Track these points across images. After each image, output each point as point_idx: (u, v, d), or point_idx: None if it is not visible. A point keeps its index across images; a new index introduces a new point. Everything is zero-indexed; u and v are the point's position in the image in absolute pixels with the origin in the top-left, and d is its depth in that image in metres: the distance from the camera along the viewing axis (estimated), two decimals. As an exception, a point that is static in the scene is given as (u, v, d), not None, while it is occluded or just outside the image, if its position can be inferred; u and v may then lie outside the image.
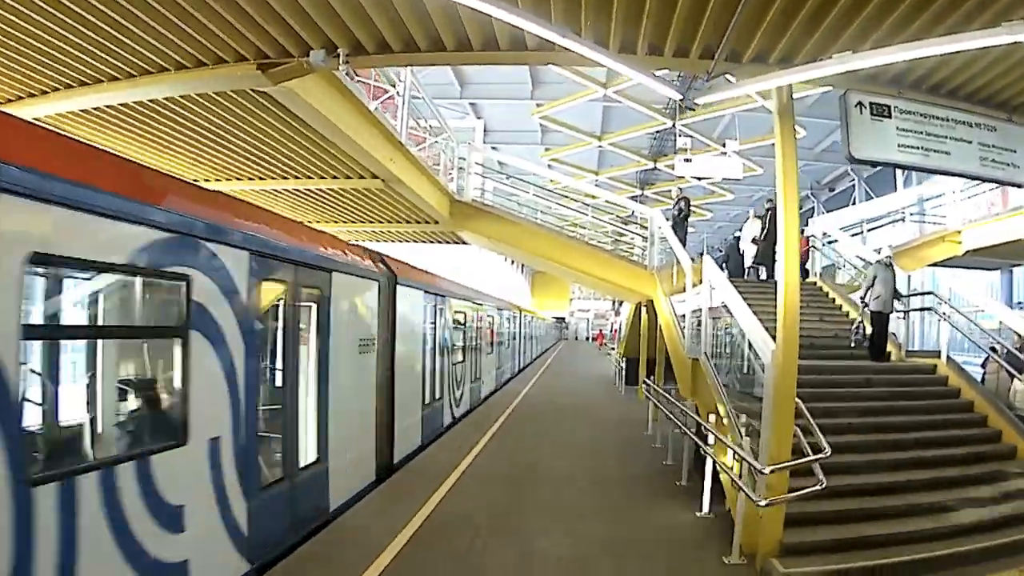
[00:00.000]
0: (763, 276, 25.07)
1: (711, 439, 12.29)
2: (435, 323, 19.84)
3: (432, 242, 29.79)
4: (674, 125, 33.00)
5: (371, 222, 25.71)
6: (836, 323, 20.01)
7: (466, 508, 12.42)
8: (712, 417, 12.84)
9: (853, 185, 42.70)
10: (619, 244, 27.84)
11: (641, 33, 9.66)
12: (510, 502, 13.04)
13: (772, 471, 9.51)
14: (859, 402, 14.63)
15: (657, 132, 36.74)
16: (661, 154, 38.79)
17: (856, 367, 16.58)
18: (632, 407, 24.87)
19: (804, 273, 22.70)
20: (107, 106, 14.32)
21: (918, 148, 9.70)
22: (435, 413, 19.91)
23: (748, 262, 26.76)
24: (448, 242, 29.27)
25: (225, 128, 15.73)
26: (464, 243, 28.21)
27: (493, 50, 10.64)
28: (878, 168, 39.91)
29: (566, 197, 33.79)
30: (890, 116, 9.59)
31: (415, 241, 29.81)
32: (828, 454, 9.99)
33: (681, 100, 11.02)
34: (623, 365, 33.63)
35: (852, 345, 17.85)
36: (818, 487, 9.52)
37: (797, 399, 10.42)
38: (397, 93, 18.87)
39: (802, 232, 22.04)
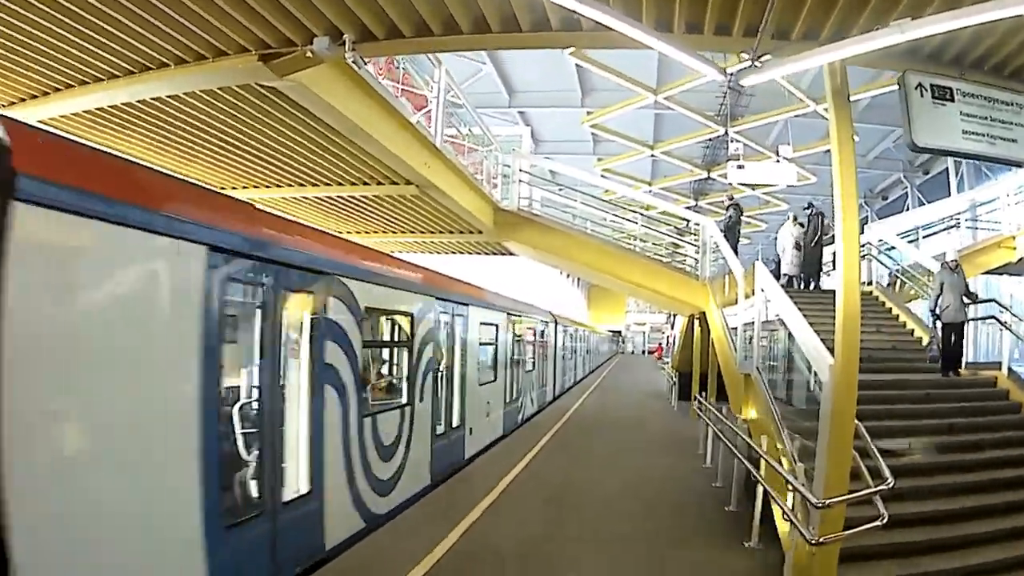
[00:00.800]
0: (801, 286, 23.65)
1: (763, 463, 11.02)
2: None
3: (477, 253, 28.86)
4: (726, 132, 31.66)
5: (411, 232, 24.83)
6: (894, 334, 18.70)
7: (498, 534, 11.39)
8: (764, 439, 11.64)
9: (906, 193, 41.10)
10: (675, 256, 26.46)
11: (676, 7, 8.66)
12: (549, 523, 12.22)
13: (827, 505, 8.24)
14: (919, 420, 13.51)
15: (710, 140, 35.38)
16: (715, 163, 37.50)
17: (914, 381, 15.30)
18: (684, 423, 23.56)
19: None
20: (112, 106, 13.70)
21: (984, 135, 8.66)
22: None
23: (786, 269, 24.27)
24: (494, 253, 28.35)
25: (240, 130, 15.00)
26: (511, 254, 27.11)
27: (513, 31, 9.66)
28: (930, 175, 39.00)
29: (618, 207, 32.65)
30: (952, 99, 8.52)
31: (459, 253, 28.83)
32: (891, 484, 8.69)
33: (727, 80, 9.80)
34: (676, 380, 32.12)
35: (928, 363, 16.32)
36: (879, 522, 8.23)
37: (856, 420, 9.16)
38: (431, 94, 17.65)
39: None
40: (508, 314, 22.57)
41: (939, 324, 16.07)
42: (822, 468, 8.90)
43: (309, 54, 10.56)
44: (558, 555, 10.60)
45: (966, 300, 16.05)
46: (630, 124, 34.80)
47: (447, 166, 18.45)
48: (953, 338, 15.89)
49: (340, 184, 18.56)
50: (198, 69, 11.60)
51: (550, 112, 35.24)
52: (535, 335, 27.64)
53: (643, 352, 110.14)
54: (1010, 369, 15.25)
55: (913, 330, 18.52)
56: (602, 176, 39.09)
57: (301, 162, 17.01)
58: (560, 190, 27.41)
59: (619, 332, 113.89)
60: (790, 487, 9.17)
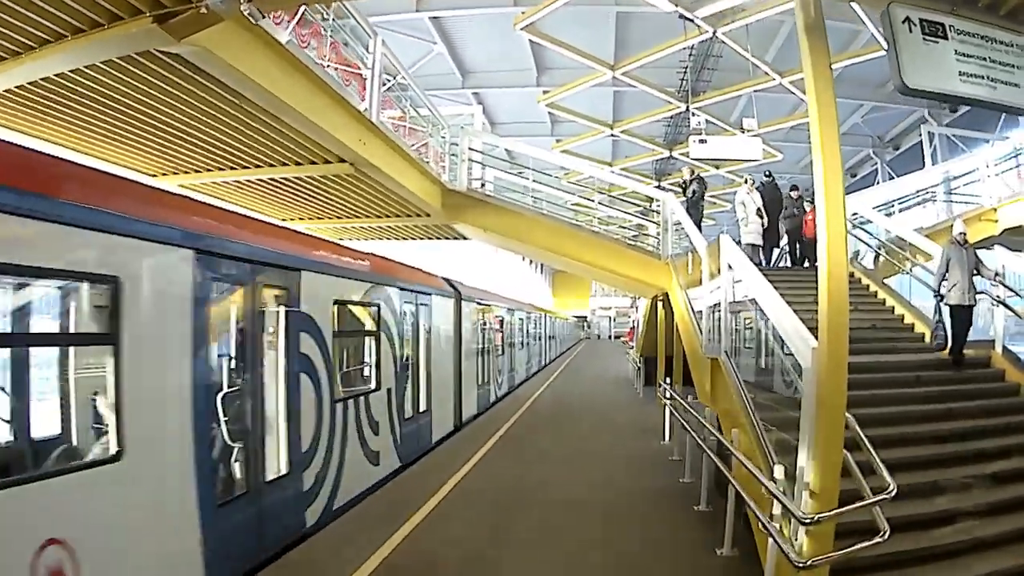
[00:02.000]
0: (765, 259, 22.44)
1: (734, 462, 9.53)
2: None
3: (429, 238, 27.47)
4: (688, 108, 30.42)
5: (354, 216, 23.33)
6: (873, 313, 17.31)
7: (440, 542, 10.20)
8: (735, 432, 10.20)
9: (876, 169, 40.08)
10: (639, 237, 25.05)
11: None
12: (496, 527, 11.04)
13: (817, 521, 6.80)
14: (910, 405, 12.09)
15: (671, 118, 34.35)
16: (677, 142, 36.44)
17: (900, 363, 13.90)
18: (649, 410, 22.27)
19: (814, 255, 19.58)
20: (20, 87, 12.34)
21: (984, 78, 7.31)
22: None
23: (749, 239, 22.07)
24: (445, 237, 26.97)
25: (157, 108, 13.67)
26: (464, 238, 25.72)
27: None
28: (901, 151, 38.07)
29: (580, 188, 31.49)
30: (946, 37, 7.21)
31: (410, 238, 27.44)
32: (894, 492, 7.21)
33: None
34: (641, 365, 30.72)
35: (936, 350, 14.42)
36: (880, 538, 6.76)
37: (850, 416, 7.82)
38: (365, 66, 16.22)
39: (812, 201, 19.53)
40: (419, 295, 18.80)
41: (944, 308, 14.25)
42: (808, 474, 7.45)
43: (204, 10, 9.37)
44: (504, 567, 9.35)
45: (980, 280, 14.37)
46: (589, 103, 33.68)
47: (386, 143, 17.29)
48: (960, 324, 14.03)
49: (271, 165, 17.26)
50: (96, 37, 10.34)
51: (505, 92, 34.30)
52: (480, 322, 26.50)
53: (609, 337, 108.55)
54: (1005, 348, 13.87)
55: (893, 307, 17.26)
56: (563, 154, 36.95)
57: (226, 143, 15.72)
58: (519, 172, 25.84)
59: (584, 318, 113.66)
60: (769, 494, 7.71)
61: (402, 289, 15.89)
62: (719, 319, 13.35)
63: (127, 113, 13.83)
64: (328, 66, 14.36)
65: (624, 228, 25.77)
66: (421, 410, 17.38)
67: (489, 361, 27.63)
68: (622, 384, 34.47)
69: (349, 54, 15.91)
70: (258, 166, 17.29)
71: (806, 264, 21.79)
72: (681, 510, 11.90)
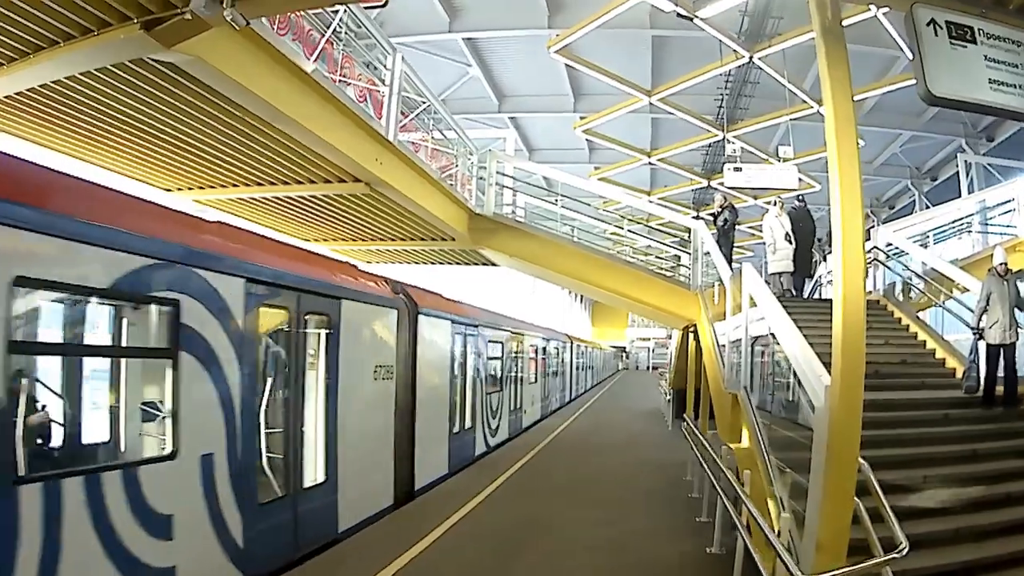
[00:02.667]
0: (795, 288, 20.85)
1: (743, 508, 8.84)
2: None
3: (456, 263, 26.81)
4: (724, 136, 29.72)
5: (376, 239, 22.80)
6: (904, 347, 16.33)
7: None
8: (747, 474, 9.49)
9: (913, 201, 39.29)
10: (678, 269, 24.38)
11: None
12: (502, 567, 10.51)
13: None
14: (936, 446, 11.26)
15: (709, 147, 33.74)
16: (715, 171, 35.70)
17: (929, 400, 13.03)
18: (676, 444, 21.27)
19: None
20: (30, 94, 12.02)
21: (1016, 87, 6.62)
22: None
23: (776, 267, 20.51)
24: (472, 263, 26.28)
25: (166, 122, 13.24)
26: (492, 264, 25.13)
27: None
28: (938, 182, 37.24)
29: (617, 217, 30.96)
30: (975, 41, 6.54)
31: (437, 263, 26.85)
32: (905, 552, 6.48)
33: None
34: (671, 398, 29.90)
35: (964, 392, 13.25)
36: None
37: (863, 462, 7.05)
38: (382, 82, 15.73)
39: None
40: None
41: (981, 344, 13.16)
42: (813, 525, 6.75)
43: (189, 16, 8.96)
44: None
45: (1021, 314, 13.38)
46: (626, 130, 33.12)
47: (405, 164, 16.77)
48: (1002, 362, 12.91)
49: (284, 183, 16.77)
50: (88, 43, 9.98)
51: (542, 118, 34.11)
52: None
53: (648, 368, 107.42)
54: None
55: (925, 341, 16.26)
56: (598, 182, 36.40)
57: (238, 159, 15.26)
58: (554, 200, 25.16)
59: (623, 348, 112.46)
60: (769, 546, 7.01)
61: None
62: (740, 353, 12.64)
63: (140, 127, 13.48)
64: (340, 81, 13.92)
65: (661, 259, 25.17)
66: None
67: (478, 401, 21.58)
68: (653, 417, 33.49)
69: (367, 70, 15.46)
70: (272, 183, 16.82)
71: None
72: (692, 551, 11.19)
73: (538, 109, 32.61)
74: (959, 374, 14.11)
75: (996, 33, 6.64)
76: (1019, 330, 12.90)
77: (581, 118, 31.16)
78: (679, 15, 19.21)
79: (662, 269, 23.97)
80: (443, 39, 25.41)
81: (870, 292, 19.48)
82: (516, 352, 26.97)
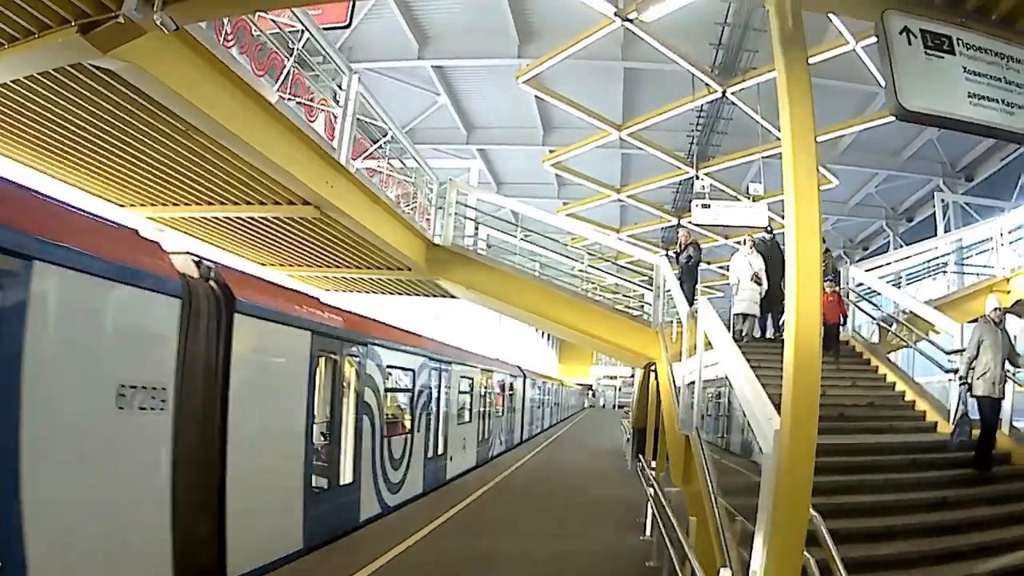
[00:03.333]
0: (760, 330, 19.86)
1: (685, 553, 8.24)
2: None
3: (415, 294, 26.21)
4: (696, 174, 29.36)
5: (331, 266, 22.28)
6: (872, 389, 15.94)
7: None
8: (692, 521, 8.93)
9: (888, 242, 38.93)
10: (644, 307, 23.84)
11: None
12: None
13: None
14: (904, 493, 10.73)
15: (679, 184, 33.43)
16: (685, 210, 35.22)
17: (896, 444, 12.51)
18: (634, 484, 20.68)
19: (836, 336, 18.01)
20: None
21: (998, 102, 6.07)
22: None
23: (739, 308, 19.23)
24: (432, 295, 25.74)
25: (114, 135, 12.87)
26: (450, 296, 24.65)
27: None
28: (914, 223, 37.07)
29: (577, 250, 30.37)
30: (953, 52, 6.07)
31: (394, 292, 26.32)
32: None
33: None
34: (630, 437, 29.31)
35: (954, 448, 12.25)
36: None
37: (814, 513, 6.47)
38: (336, 103, 15.30)
39: (831, 279, 18.36)
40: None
41: (970, 398, 12.32)
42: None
43: (121, 20, 8.72)
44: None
45: (1012, 367, 12.66)
46: (596, 166, 33.06)
47: (359, 189, 16.38)
48: (987, 420, 12.04)
49: (234, 203, 16.21)
50: (27, 47, 9.66)
51: (511, 150, 33.83)
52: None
53: (614, 406, 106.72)
54: (1012, 426, 12.53)
55: (895, 383, 15.91)
56: (565, 217, 35.91)
57: (186, 176, 14.79)
58: (516, 234, 24.65)
59: (590, 386, 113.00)
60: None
61: None
62: (693, 392, 12.06)
63: (89, 138, 13.13)
64: (292, 100, 13.46)
65: (628, 297, 24.77)
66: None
67: (366, 445, 16.04)
68: (614, 455, 32.89)
69: (322, 91, 15.03)
70: (223, 203, 16.31)
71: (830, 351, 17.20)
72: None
73: (507, 141, 32.24)
74: (929, 417, 13.67)
75: (977, 44, 6.19)
76: (1004, 385, 12.26)
77: (550, 151, 30.79)
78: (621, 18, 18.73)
79: (629, 307, 23.40)
80: (412, 66, 25.03)
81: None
82: (438, 384, 22.51)
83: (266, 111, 12.43)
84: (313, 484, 12.74)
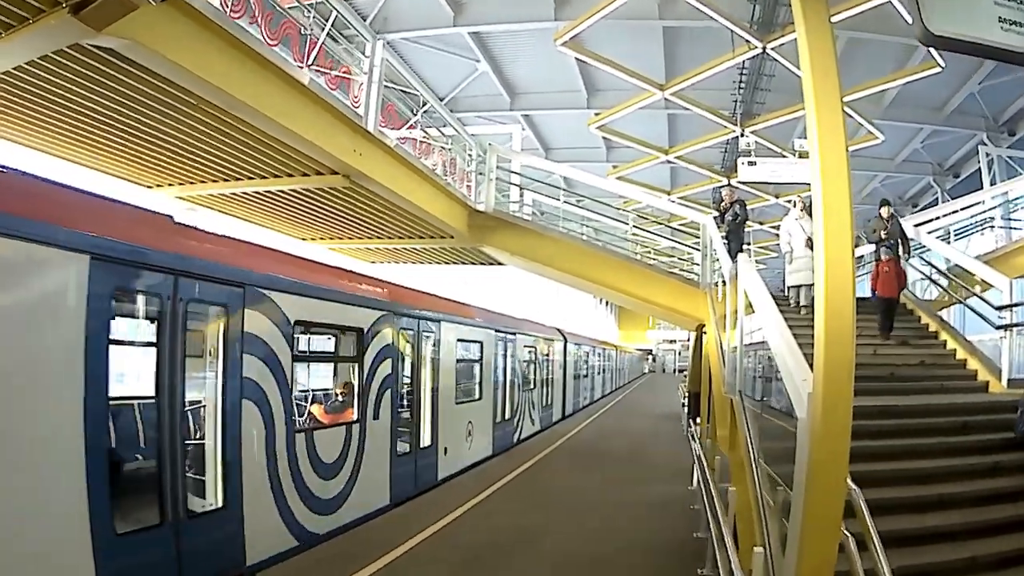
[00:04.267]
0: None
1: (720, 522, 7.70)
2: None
3: (461, 262, 26.06)
4: (741, 132, 28.51)
5: (373, 237, 22.00)
6: (924, 348, 15.13)
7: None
8: (732, 491, 8.33)
9: (936, 199, 37.51)
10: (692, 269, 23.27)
11: None
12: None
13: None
14: (954, 458, 9.80)
15: (727, 144, 32.53)
16: (734, 170, 34.33)
17: (949, 406, 11.52)
18: (687, 449, 20.14)
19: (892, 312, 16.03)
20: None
21: None
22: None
23: (793, 280, 17.85)
24: (479, 262, 25.56)
25: (125, 114, 12.55)
26: (497, 263, 24.31)
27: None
28: (961, 179, 35.88)
29: (623, 211, 29.74)
30: None
31: (440, 262, 26.14)
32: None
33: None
34: (685, 401, 28.66)
35: (1020, 437, 10.47)
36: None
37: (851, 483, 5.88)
38: (362, 71, 14.85)
39: (890, 246, 16.58)
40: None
41: None
42: (792, 557, 5.53)
43: None
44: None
45: None
46: (643, 127, 32.04)
47: (389, 155, 15.97)
48: None
49: (262, 177, 15.92)
50: (24, 32, 9.45)
51: (556, 115, 33.01)
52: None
53: (674, 371, 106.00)
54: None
55: (945, 341, 15.11)
56: (615, 181, 35.15)
57: (210, 152, 14.47)
58: (575, 199, 25.01)
59: (650, 351, 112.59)
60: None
61: None
62: (736, 353, 11.38)
63: (107, 121, 12.86)
64: (313, 68, 13.14)
65: (683, 260, 24.15)
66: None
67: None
68: (671, 419, 32.47)
69: (346, 59, 14.71)
70: (250, 178, 16.03)
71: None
72: (680, 572, 10.19)
73: (551, 106, 31.49)
74: (980, 377, 12.88)
75: (1008, -37, 5.44)
76: None
77: (596, 114, 29.82)
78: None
79: (683, 271, 22.68)
80: (447, 33, 24.37)
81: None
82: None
83: (283, 80, 12.14)
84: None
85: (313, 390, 14.47)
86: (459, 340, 19.69)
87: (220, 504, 9.46)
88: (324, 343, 14.99)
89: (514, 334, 25.42)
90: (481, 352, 21.78)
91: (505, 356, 24.39)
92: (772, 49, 22.50)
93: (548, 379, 32.62)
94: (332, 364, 15.29)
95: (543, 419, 30.62)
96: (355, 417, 13.48)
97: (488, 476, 17.73)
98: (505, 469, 18.69)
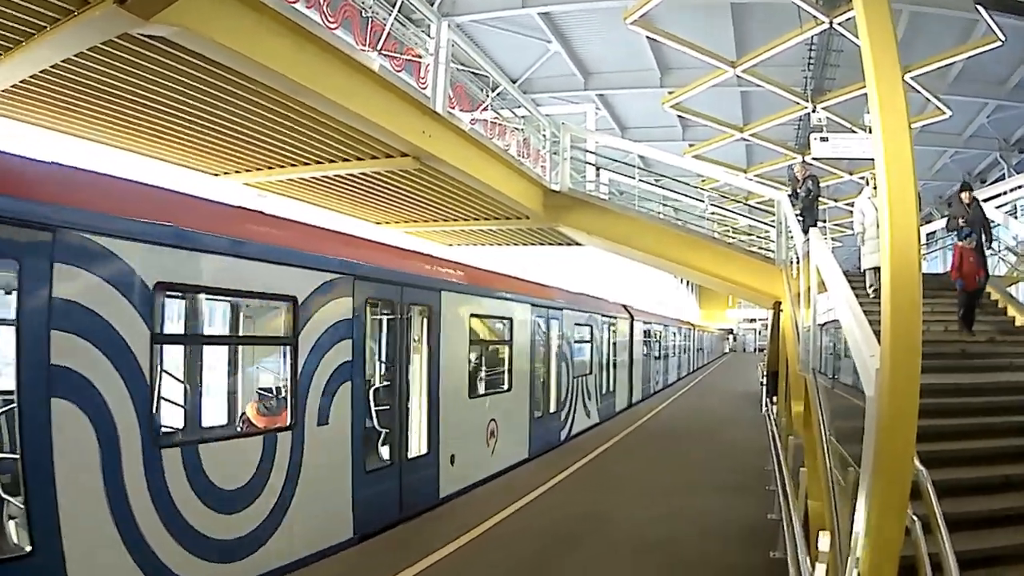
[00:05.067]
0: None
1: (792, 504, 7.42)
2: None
3: (538, 243, 26.10)
4: (813, 107, 27.95)
5: (448, 219, 22.14)
6: (994, 325, 14.68)
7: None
8: (803, 472, 8.03)
9: (1003, 175, 36.25)
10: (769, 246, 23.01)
11: None
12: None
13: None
14: (1021, 438, 9.22)
15: (800, 120, 31.96)
16: (807, 147, 33.76)
17: (1018, 384, 10.94)
18: (766, 430, 19.83)
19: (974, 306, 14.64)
20: (38, 85, 11.74)
21: None
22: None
23: (867, 263, 16.67)
24: (556, 243, 25.59)
25: (184, 102, 12.72)
26: (575, 243, 24.24)
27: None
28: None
29: (698, 188, 29.63)
30: None
31: (516, 243, 26.18)
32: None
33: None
34: (763, 380, 28.15)
35: None
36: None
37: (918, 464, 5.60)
38: (427, 52, 14.76)
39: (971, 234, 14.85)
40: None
41: None
42: (859, 546, 5.24)
43: None
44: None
45: None
46: (717, 105, 31.11)
47: (460, 136, 15.93)
48: None
49: (330, 161, 15.97)
50: (70, 24, 9.56)
51: (630, 94, 32.34)
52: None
53: (755, 350, 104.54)
54: None
55: (1014, 318, 14.77)
56: (692, 159, 34.96)
57: (273, 137, 14.57)
58: (652, 178, 25.48)
59: (730, 330, 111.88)
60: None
61: None
62: (809, 330, 11.01)
63: (166, 110, 13.02)
64: (367, 50, 13.33)
65: (760, 238, 23.82)
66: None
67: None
68: (749, 398, 31.65)
69: (411, 42, 14.82)
70: (318, 162, 16.10)
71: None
72: (753, 555, 9.84)
73: (624, 85, 30.91)
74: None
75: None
76: None
77: (669, 93, 29.27)
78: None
79: (761, 248, 22.32)
80: (517, 15, 24.03)
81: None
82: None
83: (345, 63, 12.13)
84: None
85: (207, 386, 10.35)
86: (474, 316, 15.47)
87: (26, 548, 6.45)
88: (221, 317, 10.89)
89: (560, 309, 21.12)
90: (510, 331, 17.53)
91: (547, 336, 20.07)
92: (838, 24, 22.00)
93: (609, 362, 27.80)
94: (235, 348, 10.88)
95: (603, 409, 26.20)
96: (288, 422, 9.64)
97: (517, 487, 14.38)
98: (542, 476, 15.37)
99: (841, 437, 7.95)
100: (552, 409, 20.26)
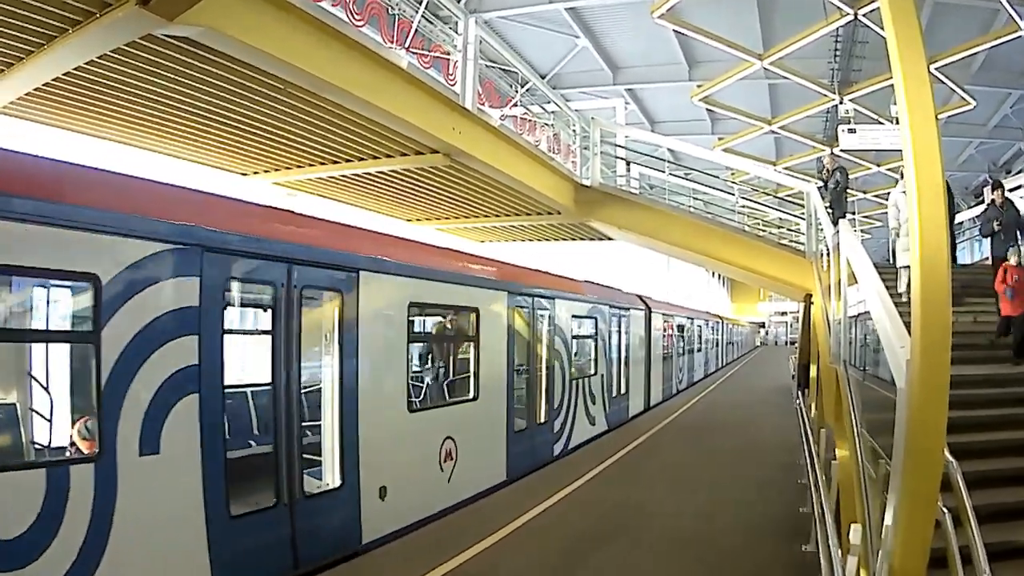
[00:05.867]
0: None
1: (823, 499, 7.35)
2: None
3: (569, 238, 26.37)
4: (840, 99, 27.79)
5: (480, 216, 22.14)
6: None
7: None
8: (834, 465, 7.95)
9: (1029, 166, 36.09)
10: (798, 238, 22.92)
11: None
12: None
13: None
14: None
15: (828, 112, 31.76)
16: (835, 139, 33.55)
17: None
18: (797, 422, 19.64)
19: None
20: (63, 87, 11.77)
21: None
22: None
23: (903, 259, 15.46)
24: (588, 238, 25.84)
25: (210, 102, 12.79)
26: (606, 238, 24.43)
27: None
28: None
29: (729, 182, 29.74)
30: None
31: (548, 239, 26.56)
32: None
33: None
34: (795, 373, 27.90)
35: None
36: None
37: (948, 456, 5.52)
38: (455, 48, 14.78)
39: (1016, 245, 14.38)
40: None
41: None
42: (890, 540, 5.15)
43: None
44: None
45: None
46: (745, 99, 31.35)
47: (490, 133, 15.89)
48: None
49: (360, 159, 16.01)
50: (93, 26, 9.59)
51: (659, 88, 32.36)
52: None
53: (786, 343, 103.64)
54: None
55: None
56: (721, 152, 34.85)
57: (301, 136, 14.64)
58: (682, 172, 25.71)
59: (762, 324, 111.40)
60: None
61: None
62: (840, 323, 10.89)
63: (193, 110, 13.12)
64: (395, 47, 13.20)
65: (791, 231, 23.67)
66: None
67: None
68: (781, 392, 31.64)
69: (438, 38, 14.72)
70: (348, 160, 16.13)
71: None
72: (784, 549, 9.75)
73: (653, 79, 30.94)
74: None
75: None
76: None
77: (698, 86, 29.26)
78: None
79: (792, 241, 22.18)
80: (545, 10, 24.09)
81: (986, 257, 18.08)
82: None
83: (371, 60, 12.09)
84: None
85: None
86: (415, 305, 11.95)
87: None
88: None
89: (551, 299, 17.55)
90: (476, 326, 13.94)
91: (533, 331, 16.55)
92: (863, 15, 21.86)
93: (620, 360, 24.08)
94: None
95: (612, 415, 22.42)
96: (90, 451, 6.76)
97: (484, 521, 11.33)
98: (520, 506, 12.17)
99: (872, 429, 7.86)
100: (541, 419, 17.09)
